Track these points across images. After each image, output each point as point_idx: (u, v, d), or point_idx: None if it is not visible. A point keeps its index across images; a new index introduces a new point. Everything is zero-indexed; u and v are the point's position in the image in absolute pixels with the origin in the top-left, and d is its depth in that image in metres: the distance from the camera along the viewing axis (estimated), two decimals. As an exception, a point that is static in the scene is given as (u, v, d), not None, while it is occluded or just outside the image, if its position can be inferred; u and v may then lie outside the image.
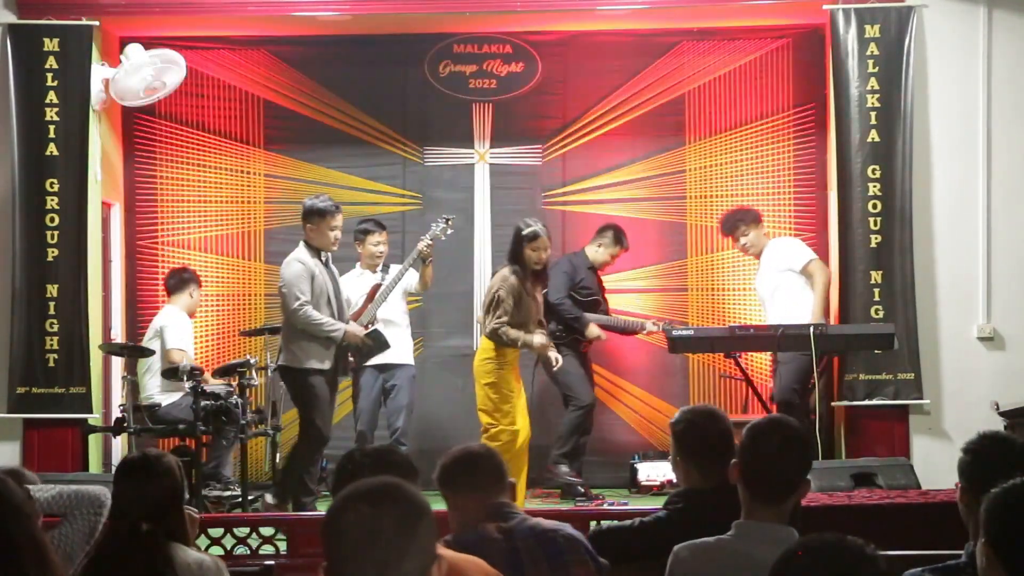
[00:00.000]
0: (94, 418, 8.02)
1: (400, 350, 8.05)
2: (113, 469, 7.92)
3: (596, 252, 8.46)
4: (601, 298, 8.47)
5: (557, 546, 3.37)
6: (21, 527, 2.72)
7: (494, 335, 7.38)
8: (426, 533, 2.18)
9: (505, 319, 7.36)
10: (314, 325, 7.15)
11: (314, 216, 7.28)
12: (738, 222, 8.22)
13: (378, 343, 7.56)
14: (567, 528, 3.46)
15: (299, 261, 7.23)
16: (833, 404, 8.04)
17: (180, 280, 8.46)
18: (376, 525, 2.11)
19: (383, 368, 8.06)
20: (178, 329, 8.24)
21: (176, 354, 8.08)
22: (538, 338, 7.49)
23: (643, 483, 8.20)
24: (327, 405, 7.27)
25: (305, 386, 7.21)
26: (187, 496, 3.62)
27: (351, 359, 7.52)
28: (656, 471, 8.26)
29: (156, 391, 8.12)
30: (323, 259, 7.31)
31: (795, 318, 7.64)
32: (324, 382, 7.21)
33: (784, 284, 7.94)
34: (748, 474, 3.21)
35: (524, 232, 7.50)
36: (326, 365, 7.20)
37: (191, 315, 8.48)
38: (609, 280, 8.87)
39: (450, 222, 8.11)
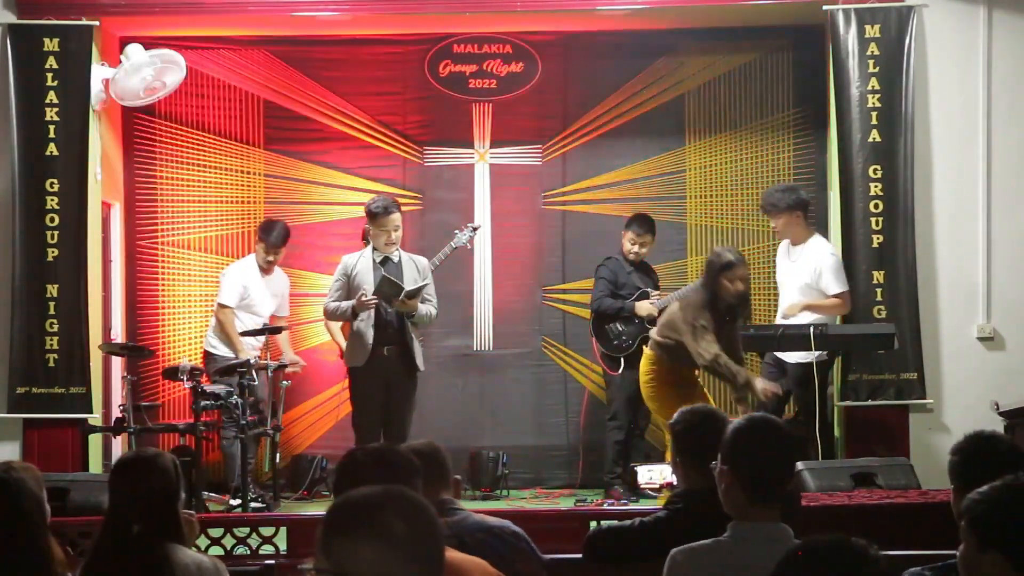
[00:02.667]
0: (94, 418, 8.01)
1: None
2: (113, 469, 7.95)
3: (626, 246, 8.29)
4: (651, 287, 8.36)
5: (504, 543, 3.42)
6: (27, 532, 2.73)
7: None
8: None
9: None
10: (335, 316, 7.57)
11: (369, 217, 7.51)
12: (799, 205, 7.73)
13: (390, 288, 7.31)
14: (511, 525, 3.50)
15: (343, 261, 7.56)
16: (837, 404, 8.04)
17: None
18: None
19: None
20: (226, 281, 8.44)
21: (219, 310, 8.35)
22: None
23: (643, 486, 8.10)
24: (366, 402, 7.43)
25: (351, 385, 7.57)
26: (183, 496, 3.59)
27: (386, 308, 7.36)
28: (657, 474, 8.12)
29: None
30: (377, 258, 7.43)
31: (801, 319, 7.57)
32: (365, 379, 7.40)
33: (806, 290, 7.65)
34: (738, 476, 3.18)
35: (722, 261, 7.08)
36: (360, 362, 7.38)
37: (264, 270, 8.51)
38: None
39: (477, 231, 8.22)
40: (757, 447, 3.18)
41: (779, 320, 7.75)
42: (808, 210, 7.89)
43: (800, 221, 7.75)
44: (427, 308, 7.44)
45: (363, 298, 7.26)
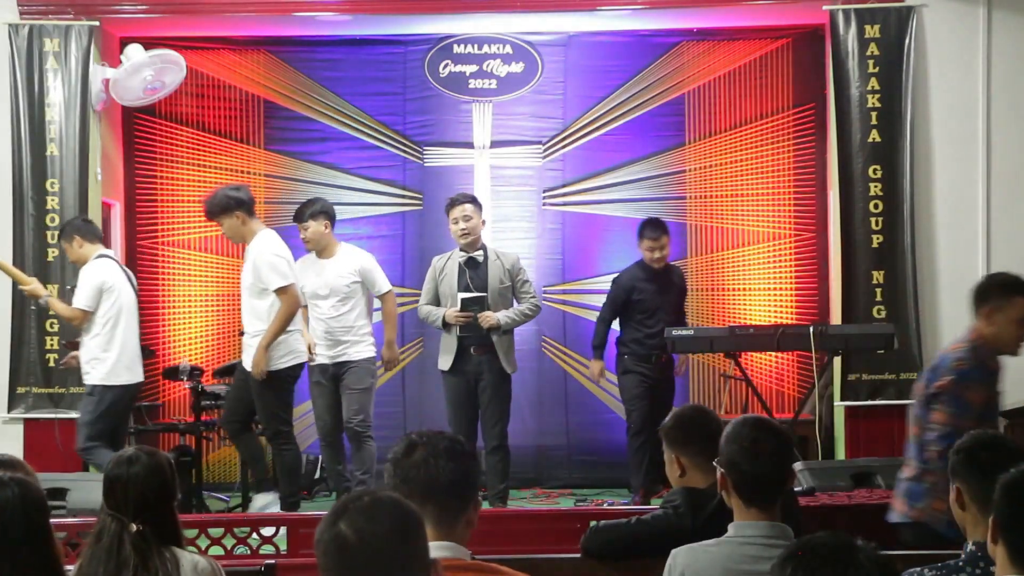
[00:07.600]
0: (94, 418, 8.00)
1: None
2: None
3: (645, 255, 7.93)
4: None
5: None
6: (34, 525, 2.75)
7: None
8: (423, 544, 2.19)
9: None
10: (429, 322, 7.59)
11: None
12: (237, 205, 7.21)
13: (476, 306, 7.28)
14: None
15: (432, 263, 7.60)
16: (836, 404, 8.04)
17: None
18: (375, 541, 2.11)
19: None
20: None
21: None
22: None
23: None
24: (453, 407, 7.43)
25: (444, 388, 7.52)
26: (180, 497, 3.58)
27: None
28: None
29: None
30: (462, 259, 7.43)
31: (256, 330, 7.14)
32: (450, 383, 7.43)
33: (251, 290, 7.20)
34: (734, 483, 3.20)
35: None
36: (446, 365, 7.40)
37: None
38: (609, 280, 8.89)
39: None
40: (743, 454, 3.19)
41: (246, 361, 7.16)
42: (251, 208, 7.28)
43: (243, 222, 7.22)
44: (513, 314, 7.36)
45: (455, 314, 7.29)
